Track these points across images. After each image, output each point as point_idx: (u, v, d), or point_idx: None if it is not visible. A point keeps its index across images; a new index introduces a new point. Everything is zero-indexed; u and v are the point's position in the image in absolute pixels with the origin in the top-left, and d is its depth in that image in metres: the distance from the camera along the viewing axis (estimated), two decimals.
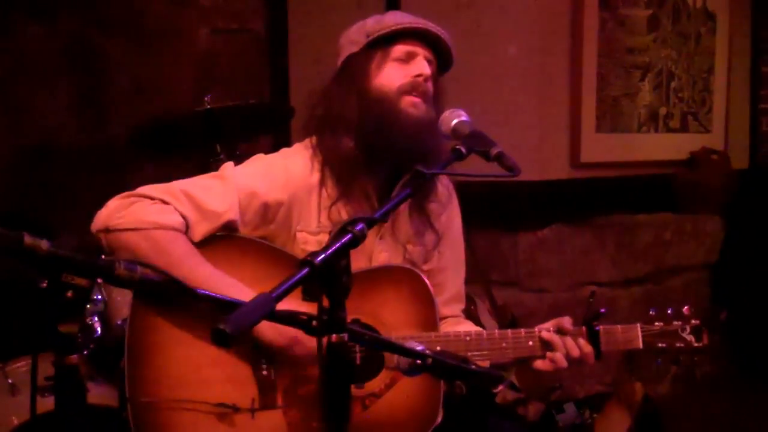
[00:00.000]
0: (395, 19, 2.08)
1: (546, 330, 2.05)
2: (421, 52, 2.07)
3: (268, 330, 1.89)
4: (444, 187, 2.23)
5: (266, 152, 2.16)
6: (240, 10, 4.68)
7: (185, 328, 1.89)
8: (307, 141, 2.14)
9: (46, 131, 4.07)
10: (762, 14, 5.23)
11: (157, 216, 1.89)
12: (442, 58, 2.12)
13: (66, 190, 4.08)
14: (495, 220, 4.11)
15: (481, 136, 1.84)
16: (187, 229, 1.93)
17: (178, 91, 4.42)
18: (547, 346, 2.03)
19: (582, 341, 2.04)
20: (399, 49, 2.06)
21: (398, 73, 2.04)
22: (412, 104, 2.03)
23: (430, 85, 2.06)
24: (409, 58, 2.06)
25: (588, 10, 4.10)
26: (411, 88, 2.03)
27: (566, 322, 2.05)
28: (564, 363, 2.02)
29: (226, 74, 4.63)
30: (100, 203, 1.97)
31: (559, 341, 2.02)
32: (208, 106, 3.10)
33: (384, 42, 2.06)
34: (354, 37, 2.11)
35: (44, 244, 1.30)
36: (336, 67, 2.16)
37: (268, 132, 4.27)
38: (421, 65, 2.05)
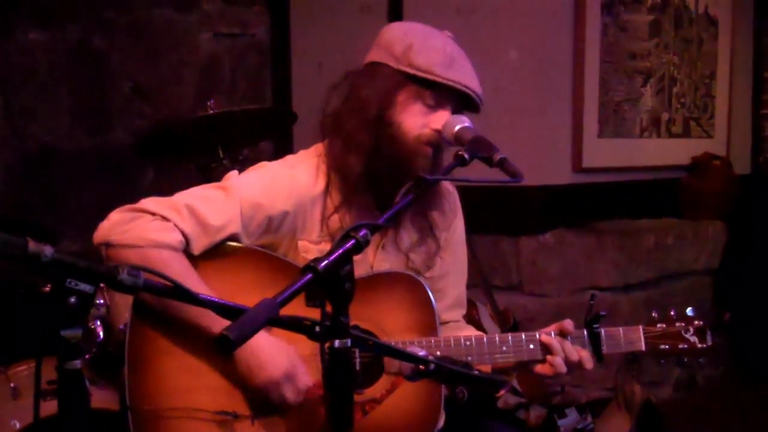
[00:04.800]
0: (444, 69, 2.00)
1: (546, 333, 2.05)
2: (450, 107, 2.02)
3: (255, 357, 1.88)
4: (447, 200, 2.22)
5: (269, 158, 2.15)
6: (242, 15, 4.69)
7: (184, 336, 1.89)
8: (312, 149, 2.13)
9: (49, 136, 4.08)
10: (764, 19, 5.24)
11: (156, 234, 1.89)
12: (469, 109, 2.09)
13: (68, 196, 4.09)
14: (497, 224, 4.11)
15: (483, 142, 1.84)
16: (187, 244, 1.93)
17: (180, 96, 4.44)
18: (546, 349, 2.03)
19: (581, 348, 2.04)
20: (432, 96, 2.01)
21: (421, 120, 2.01)
22: (425, 155, 2.01)
23: None
24: (437, 106, 2.02)
25: (590, 16, 4.11)
26: (428, 141, 2.01)
27: (568, 324, 2.05)
28: (563, 368, 2.01)
29: (228, 79, 4.64)
30: (103, 208, 1.98)
31: (557, 345, 2.01)
32: (211, 112, 3.09)
33: (422, 80, 2.00)
34: (397, 48, 2.03)
35: (48, 249, 1.29)
36: (360, 62, 2.10)
37: (271, 137, 4.27)
38: (445, 121, 2.00)
